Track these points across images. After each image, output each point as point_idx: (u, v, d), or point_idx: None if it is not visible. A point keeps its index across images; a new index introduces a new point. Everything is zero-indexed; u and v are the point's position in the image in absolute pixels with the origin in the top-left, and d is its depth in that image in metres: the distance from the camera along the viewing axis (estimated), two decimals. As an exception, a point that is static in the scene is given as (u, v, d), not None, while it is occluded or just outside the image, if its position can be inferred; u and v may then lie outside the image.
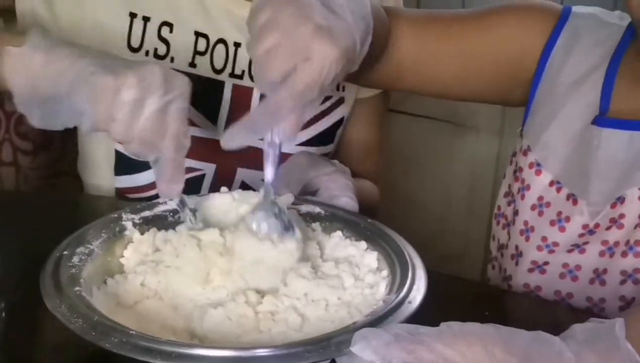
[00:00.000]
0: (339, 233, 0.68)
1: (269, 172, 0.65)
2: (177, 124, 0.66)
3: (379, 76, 0.87)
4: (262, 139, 0.64)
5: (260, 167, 0.95)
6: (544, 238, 0.82)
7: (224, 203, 0.70)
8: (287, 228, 0.63)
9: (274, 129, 0.63)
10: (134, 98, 0.65)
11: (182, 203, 0.69)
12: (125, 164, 0.97)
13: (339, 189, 0.76)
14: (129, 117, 0.65)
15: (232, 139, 0.63)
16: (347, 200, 0.74)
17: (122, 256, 0.65)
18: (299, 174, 0.78)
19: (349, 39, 0.62)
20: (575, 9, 0.87)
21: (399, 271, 0.60)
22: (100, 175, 1.00)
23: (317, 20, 0.60)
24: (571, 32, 0.85)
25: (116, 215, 0.66)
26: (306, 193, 0.77)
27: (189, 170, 0.95)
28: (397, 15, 0.87)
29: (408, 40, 0.86)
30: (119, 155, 0.97)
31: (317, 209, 0.71)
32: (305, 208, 0.72)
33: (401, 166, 2.07)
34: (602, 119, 0.81)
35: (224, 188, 0.73)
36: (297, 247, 0.63)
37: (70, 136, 1.09)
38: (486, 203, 1.99)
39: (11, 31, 0.92)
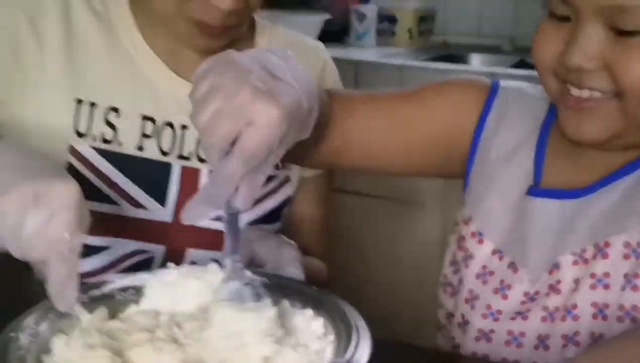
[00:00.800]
0: (286, 302, 0.69)
1: (229, 243, 0.65)
2: (57, 237, 0.63)
3: (322, 156, 0.90)
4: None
5: (210, 246, 0.97)
6: (488, 307, 0.84)
7: (171, 279, 0.71)
8: (260, 295, 0.64)
9: (229, 198, 0.63)
10: (13, 219, 0.62)
11: (70, 307, 0.65)
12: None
13: (285, 261, 0.77)
14: (14, 238, 0.62)
15: (191, 214, 0.64)
16: (293, 270, 0.75)
17: (70, 336, 0.63)
18: (246, 247, 0.79)
19: (292, 98, 0.64)
20: (503, 83, 0.92)
21: (344, 335, 0.61)
22: None
23: (256, 83, 0.61)
24: (501, 106, 0.90)
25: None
26: (254, 265, 0.78)
27: (138, 252, 0.96)
28: (338, 96, 0.90)
29: (349, 120, 0.90)
30: None
31: (264, 279, 0.72)
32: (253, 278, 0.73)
33: (347, 248, 2.09)
34: (536, 190, 0.85)
35: (170, 264, 0.74)
36: (275, 314, 0.63)
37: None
38: (435, 278, 2.02)
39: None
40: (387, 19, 2.52)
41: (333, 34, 2.45)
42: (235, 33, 0.95)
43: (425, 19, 2.59)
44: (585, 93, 0.75)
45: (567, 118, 0.79)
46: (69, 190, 0.64)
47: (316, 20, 2.33)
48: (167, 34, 0.95)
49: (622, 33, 0.71)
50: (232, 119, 0.60)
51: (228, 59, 0.65)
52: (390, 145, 0.92)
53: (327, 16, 2.39)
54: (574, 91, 0.76)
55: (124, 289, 0.70)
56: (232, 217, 0.65)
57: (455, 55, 2.46)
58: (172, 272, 0.70)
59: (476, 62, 2.45)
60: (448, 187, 2.02)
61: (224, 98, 0.61)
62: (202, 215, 0.64)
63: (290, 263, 0.77)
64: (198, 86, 0.63)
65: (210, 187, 0.63)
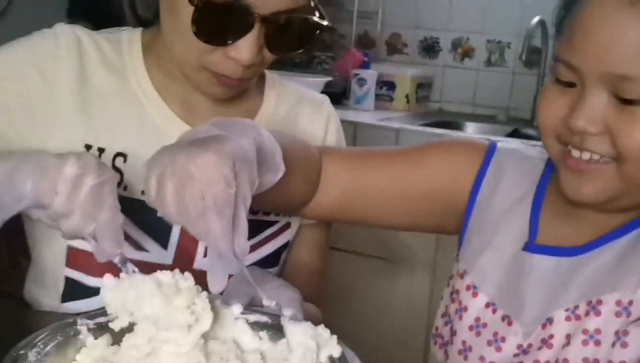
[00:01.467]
0: (284, 340, 0.71)
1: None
2: (112, 198, 0.74)
3: (320, 209, 0.93)
4: None
5: (205, 286, 0.98)
6: (481, 358, 0.86)
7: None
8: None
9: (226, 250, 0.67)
10: (75, 174, 0.72)
11: (123, 260, 0.75)
12: (74, 289, 0.97)
13: (285, 301, 0.79)
14: (71, 190, 0.72)
15: (215, 286, 0.75)
16: (292, 311, 0.77)
17: (75, 360, 0.65)
18: (246, 287, 0.80)
19: (227, 144, 0.68)
20: (500, 144, 0.96)
21: None
22: (48, 300, 1.00)
23: (187, 150, 0.67)
24: (498, 166, 0.93)
25: (71, 320, 0.68)
26: (254, 305, 0.79)
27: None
28: (333, 153, 0.95)
29: (346, 175, 0.93)
30: (68, 281, 0.98)
31: (265, 318, 0.74)
32: (252, 317, 0.74)
33: (338, 303, 2.10)
34: (532, 246, 0.87)
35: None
36: None
37: (14, 260, 1.10)
38: (423, 334, 2.03)
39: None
40: (386, 85, 2.58)
41: (333, 96, 2.49)
42: (248, 84, 0.99)
43: (422, 86, 2.65)
44: (585, 155, 0.78)
45: (567, 179, 0.81)
46: (113, 172, 0.77)
47: (318, 82, 2.38)
48: (180, 82, 0.98)
49: (625, 101, 0.75)
50: (185, 190, 0.65)
51: (162, 148, 0.70)
52: (388, 200, 0.95)
53: (328, 79, 2.44)
54: (575, 153, 0.79)
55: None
56: (235, 263, 0.69)
57: (450, 122, 2.51)
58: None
59: (471, 130, 2.50)
60: (437, 247, 2.04)
61: (169, 177, 0.66)
62: (223, 282, 0.73)
63: (290, 303, 0.79)
64: (149, 188, 0.68)
65: (214, 251, 0.68)
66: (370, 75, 2.53)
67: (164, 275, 0.69)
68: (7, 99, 0.94)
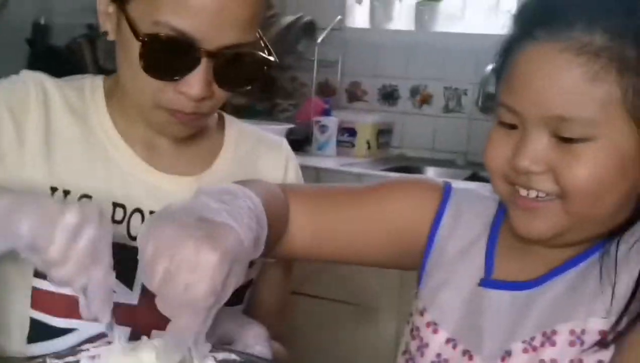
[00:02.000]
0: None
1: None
2: (109, 254, 0.75)
3: (290, 250, 0.96)
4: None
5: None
6: None
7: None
8: None
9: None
10: (75, 223, 0.72)
11: (111, 326, 0.76)
12: (40, 331, 0.98)
13: (253, 338, 0.81)
14: (69, 239, 0.72)
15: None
16: (260, 348, 0.79)
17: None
18: (214, 326, 0.82)
19: (232, 238, 0.71)
20: (455, 185, 1.00)
21: None
22: (13, 342, 1.00)
23: (193, 234, 0.69)
24: (455, 207, 0.97)
25: (40, 360, 0.69)
26: (222, 343, 0.81)
27: (105, 334, 0.97)
28: (293, 192, 0.98)
29: (314, 217, 0.96)
30: (33, 322, 0.98)
31: (233, 356, 0.76)
32: (221, 355, 0.76)
33: (305, 347, 2.10)
34: (487, 281, 0.91)
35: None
36: None
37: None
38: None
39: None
40: (347, 131, 2.63)
41: (296, 143, 2.54)
42: (204, 121, 1.02)
43: (383, 132, 2.71)
44: (532, 193, 0.83)
45: (517, 217, 0.85)
46: (112, 226, 0.79)
47: (280, 129, 2.42)
48: (141, 124, 1.01)
49: (564, 139, 0.79)
50: (178, 275, 0.68)
51: (165, 216, 0.72)
52: (354, 240, 0.98)
53: (290, 126, 2.48)
54: (523, 192, 0.83)
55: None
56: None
57: (411, 166, 2.56)
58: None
59: (431, 174, 2.56)
60: (401, 289, 2.07)
61: (166, 258, 0.68)
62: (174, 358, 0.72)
63: (257, 341, 0.81)
64: (144, 250, 0.71)
65: (172, 337, 0.71)
66: (332, 122, 2.58)
67: (146, 353, 0.72)
68: None
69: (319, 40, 2.74)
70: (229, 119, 1.13)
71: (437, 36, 2.71)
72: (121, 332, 0.76)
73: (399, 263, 1.01)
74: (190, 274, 0.67)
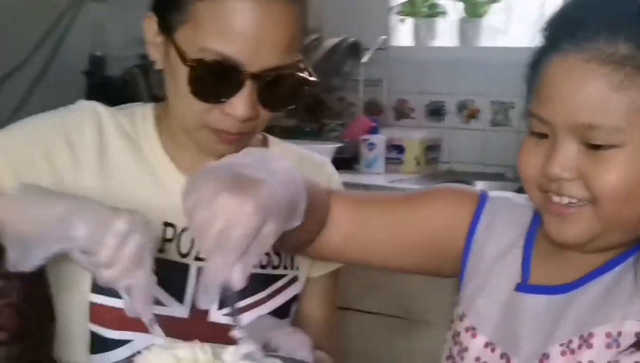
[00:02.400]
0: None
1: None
2: (151, 259, 0.82)
3: (324, 249, 0.99)
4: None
5: (224, 340, 1.03)
6: None
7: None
8: None
9: (223, 283, 0.75)
10: (125, 230, 0.79)
11: (152, 321, 0.83)
12: (98, 343, 1.04)
13: (296, 345, 0.85)
14: (117, 244, 0.79)
15: (201, 303, 0.77)
16: (303, 354, 0.83)
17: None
18: (260, 333, 0.86)
19: (265, 191, 0.75)
20: (491, 193, 1.02)
21: None
22: (75, 354, 1.07)
23: (228, 187, 0.74)
24: (490, 214, 0.99)
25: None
26: (267, 351, 0.85)
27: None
28: (338, 196, 1.01)
29: (348, 219, 0.99)
30: (92, 335, 1.04)
31: (277, 361, 0.80)
32: (267, 360, 0.80)
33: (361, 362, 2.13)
34: (524, 286, 0.93)
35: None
36: None
37: (46, 327, 1.16)
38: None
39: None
40: (395, 148, 2.66)
41: (344, 161, 2.59)
42: (248, 140, 1.06)
43: (431, 148, 2.73)
44: (564, 200, 0.85)
45: (550, 223, 0.88)
46: (156, 234, 0.89)
47: (328, 148, 2.47)
48: (188, 147, 1.07)
49: (593, 146, 0.82)
50: (211, 223, 0.74)
51: (204, 173, 0.78)
52: (387, 244, 1.01)
53: (338, 145, 2.53)
54: (555, 199, 0.86)
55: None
56: (229, 297, 0.78)
57: (460, 181, 2.56)
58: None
59: (480, 188, 2.56)
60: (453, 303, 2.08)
61: (204, 208, 0.75)
62: (207, 303, 0.77)
63: (301, 348, 0.84)
64: (185, 202, 0.77)
65: (205, 279, 0.76)
66: (379, 139, 2.61)
67: (183, 350, 0.76)
68: (33, 159, 1.03)
69: (364, 60, 2.79)
70: (272, 140, 1.18)
71: (482, 51, 2.72)
72: (160, 333, 0.83)
73: (434, 270, 1.04)
74: (224, 221, 0.73)
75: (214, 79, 0.96)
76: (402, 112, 2.92)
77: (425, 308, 2.15)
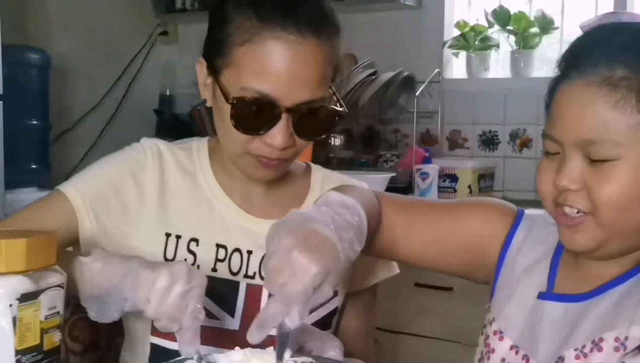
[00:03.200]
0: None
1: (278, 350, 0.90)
2: (194, 303, 0.92)
3: (378, 248, 1.09)
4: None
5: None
6: None
7: (237, 358, 0.90)
8: None
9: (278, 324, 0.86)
10: (164, 286, 0.91)
11: (200, 358, 0.92)
12: (159, 355, 1.15)
13: (328, 346, 0.95)
14: (160, 300, 0.91)
15: (252, 337, 0.87)
16: (333, 354, 0.93)
17: None
18: (296, 336, 0.97)
19: (330, 256, 0.86)
20: (527, 211, 1.11)
21: None
22: None
23: (299, 245, 0.85)
24: (525, 230, 1.08)
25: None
26: (302, 353, 0.95)
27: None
28: (386, 200, 1.11)
29: (400, 222, 1.10)
30: (153, 347, 1.16)
31: (310, 359, 0.90)
32: (300, 360, 0.91)
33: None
34: (546, 294, 1.02)
35: (237, 348, 0.94)
36: None
37: (113, 339, 1.29)
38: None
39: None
40: (448, 177, 2.74)
41: (399, 191, 2.68)
42: (287, 165, 1.18)
43: (484, 176, 2.80)
44: (573, 211, 0.94)
45: (563, 233, 0.97)
46: (205, 278, 0.95)
47: (383, 178, 2.57)
48: (238, 177, 1.19)
49: (595, 160, 0.91)
50: (281, 273, 0.85)
51: (287, 224, 0.89)
52: (430, 248, 1.11)
53: (392, 174, 2.63)
54: (566, 209, 0.95)
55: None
56: (283, 336, 0.88)
57: (514, 209, 2.62)
58: (238, 353, 0.93)
59: (533, 215, 2.61)
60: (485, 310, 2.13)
61: (277, 258, 0.86)
62: (259, 338, 0.87)
63: (332, 348, 0.95)
64: (269, 244, 0.88)
65: (262, 317, 0.86)
66: (432, 169, 2.70)
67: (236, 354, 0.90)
68: (107, 198, 1.17)
69: (418, 92, 2.89)
70: (315, 167, 1.30)
71: (533, 81, 2.78)
72: None
73: (469, 274, 1.13)
74: (290, 275, 0.84)
75: (254, 114, 1.08)
76: (455, 142, 3.01)
77: (475, 331, 2.21)
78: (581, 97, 0.91)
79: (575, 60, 0.94)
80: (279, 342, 0.89)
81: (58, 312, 0.85)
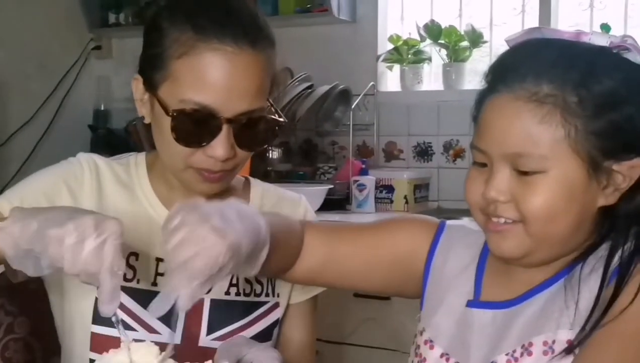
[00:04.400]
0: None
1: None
2: (110, 257, 0.86)
3: (300, 274, 1.11)
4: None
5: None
6: None
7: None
8: None
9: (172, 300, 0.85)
10: (73, 242, 0.86)
11: (117, 319, 0.90)
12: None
13: (267, 359, 0.96)
14: (72, 257, 0.86)
15: (153, 311, 0.87)
16: None
17: None
18: (235, 349, 0.98)
19: (235, 238, 0.85)
20: (449, 222, 1.14)
21: None
22: None
23: (212, 223, 0.84)
24: (447, 240, 1.11)
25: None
26: (239, 365, 0.97)
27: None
28: (312, 226, 1.13)
29: (323, 246, 1.11)
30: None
31: None
32: None
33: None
34: (473, 302, 1.05)
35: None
36: None
37: (48, 359, 1.28)
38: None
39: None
40: (385, 188, 2.79)
41: (336, 202, 2.73)
42: (229, 178, 1.19)
43: (419, 187, 2.86)
44: (501, 220, 0.97)
45: (491, 239, 1.01)
46: (118, 224, 0.88)
47: (320, 190, 2.60)
48: (177, 187, 1.20)
49: (522, 173, 0.95)
50: (188, 248, 0.83)
51: (194, 205, 0.88)
52: (357, 268, 1.13)
53: (330, 186, 2.66)
54: (494, 218, 0.98)
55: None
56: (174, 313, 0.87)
57: (449, 218, 2.68)
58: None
59: (467, 223, 2.67)
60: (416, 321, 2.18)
61: (185, 232, 0.84)
62: (160, 311, 0.87)
63: (271, 360, 0.96)
64: (170, 221, 0.86)
65: (162, 294, 0.86)
66: (369, 180, 2.74)
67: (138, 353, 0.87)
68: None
69: (354, 105, 2.94)
70: (254, 181, 1.31)
71: (464, 94, 2.85)
72: (123, 329, 0.91)
73: (399, 291, 1.16)
74: (198, 250, 0.82)
75: (195, 126, 1.09)
76: (391, 153, 3.07)
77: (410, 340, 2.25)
78: (509, 110, 0.94)
79: (503, 74, 0.97)
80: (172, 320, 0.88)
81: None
